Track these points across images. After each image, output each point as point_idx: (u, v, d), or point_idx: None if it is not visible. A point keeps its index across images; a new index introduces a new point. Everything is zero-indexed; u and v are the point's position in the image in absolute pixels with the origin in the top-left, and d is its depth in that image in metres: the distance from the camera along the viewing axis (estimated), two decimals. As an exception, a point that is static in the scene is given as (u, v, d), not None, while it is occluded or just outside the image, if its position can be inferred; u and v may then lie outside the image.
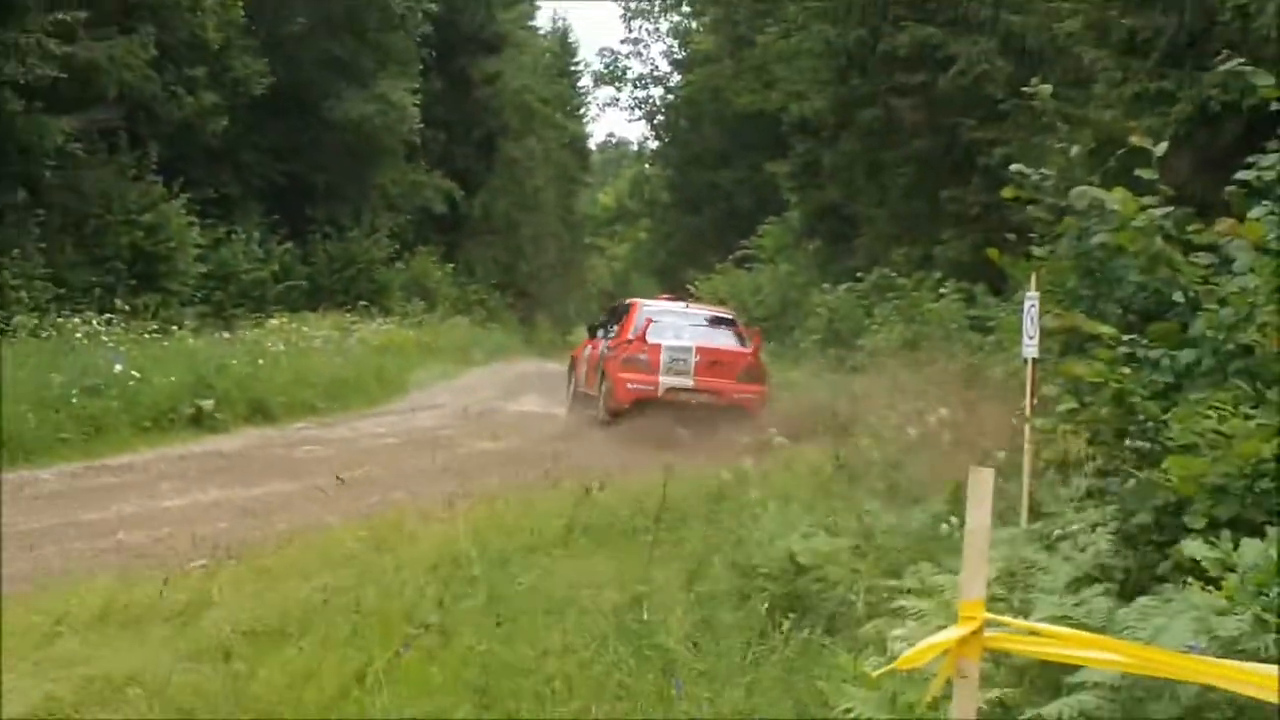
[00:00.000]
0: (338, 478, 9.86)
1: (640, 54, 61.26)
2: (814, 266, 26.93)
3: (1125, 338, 5.59)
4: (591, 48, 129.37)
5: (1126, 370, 5.38)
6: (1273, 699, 2.54)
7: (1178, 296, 5.77)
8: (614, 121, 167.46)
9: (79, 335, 15.51)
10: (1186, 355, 5.43)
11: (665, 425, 13.95)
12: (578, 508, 7.92)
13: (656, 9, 57.77)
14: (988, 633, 2.81)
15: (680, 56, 54.47)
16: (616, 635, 5.25)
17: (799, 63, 27.09)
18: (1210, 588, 3.60)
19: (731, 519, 7.44)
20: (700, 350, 15.33)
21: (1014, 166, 6.99)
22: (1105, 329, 5.61)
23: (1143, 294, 5.99)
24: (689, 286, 30.19)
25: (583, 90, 61.60)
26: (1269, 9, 8.66)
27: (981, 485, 2.85)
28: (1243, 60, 6.45)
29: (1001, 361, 9.92)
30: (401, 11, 29.98)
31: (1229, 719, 3.28)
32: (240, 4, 23.44)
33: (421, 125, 32.05)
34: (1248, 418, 4.61)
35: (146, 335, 16.99)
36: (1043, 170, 6.84)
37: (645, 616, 5.44)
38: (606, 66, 60.57)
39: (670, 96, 55.78)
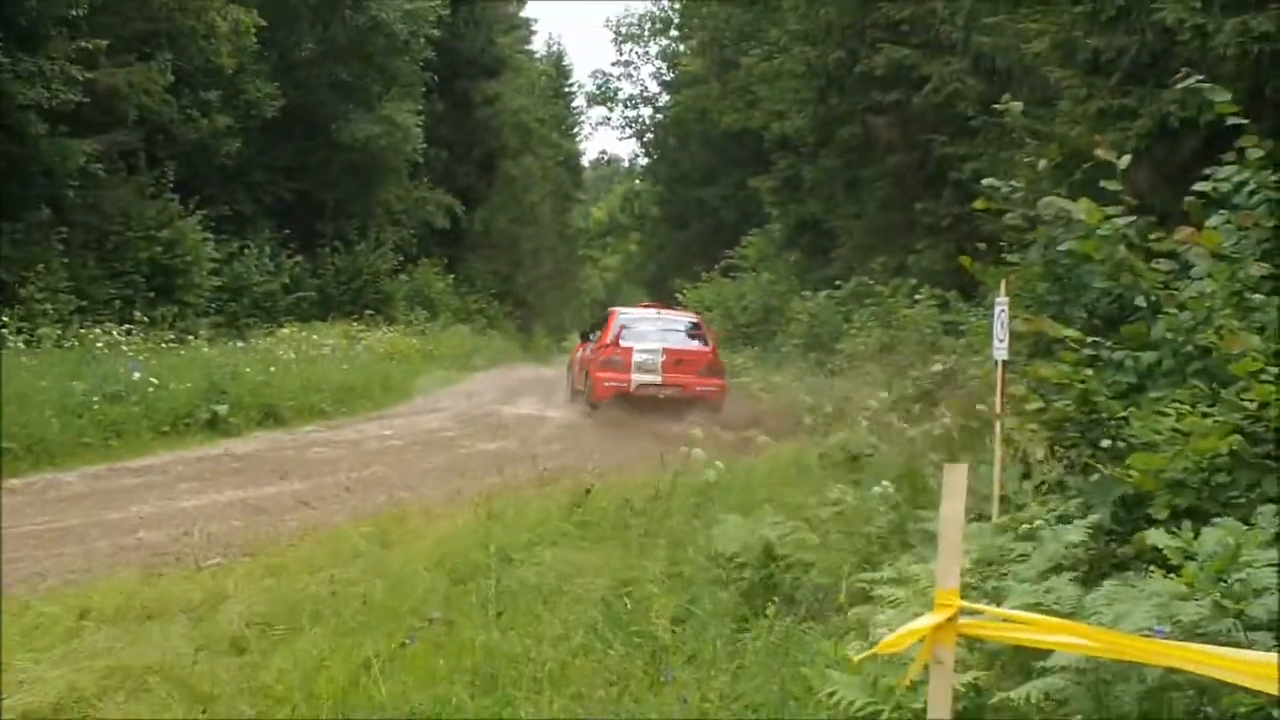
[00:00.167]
0: (346, 488, 9.98)
1: (631, 76, 61.94)
2: (795, 275, 26.95)
3: (1090, 340, 5.59)
4: (585, 70, 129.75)
5: (1089, 371, 5.38)
6: (1232, 680, 2.54)
7: (1140, 301, 5.77)
8: (606, 140, 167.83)
9: (100, 345, 15.55)
10: (1148, 357, 5.43)
11: (636, 414, 15.59)
12: (572, 504, 7.92)
13: (646, 33, 57.96)
14: (962, 619, 2.81)
15: (669, 78, 54.72)
16: (607, 623, 5.26)
17: (781, 83, 27.18)
18: (1171, 575, 3.60)
19: (713, 511, 7.43)
20: (667, 351, 16.77)
21: (985, 180, 6.97)
22: (1071, 332, 5.60)
23: (1107, 299, 6.00)
24: (677, 295, 30.25)
25: (577, 110, 61.90)
26: (1225, 29, 8.67)
27: (955, 480, 2.85)
28: (1201, 78, 6.45)
29: (974, 364, 9.91)
30: (405, 37, 29.98)
31: (1191, 699, 3.28)
32: (253, 32, 23.50)
33: (425, 145, 32.17)
34: (1205, 415, 4.61)
35: (164, 345, 17.08)
36: (1012, 183, 6.83)
37: (632, 606, 5.44)
38: (599, 88, 60.91)
39: (659, 116, 55.95)
